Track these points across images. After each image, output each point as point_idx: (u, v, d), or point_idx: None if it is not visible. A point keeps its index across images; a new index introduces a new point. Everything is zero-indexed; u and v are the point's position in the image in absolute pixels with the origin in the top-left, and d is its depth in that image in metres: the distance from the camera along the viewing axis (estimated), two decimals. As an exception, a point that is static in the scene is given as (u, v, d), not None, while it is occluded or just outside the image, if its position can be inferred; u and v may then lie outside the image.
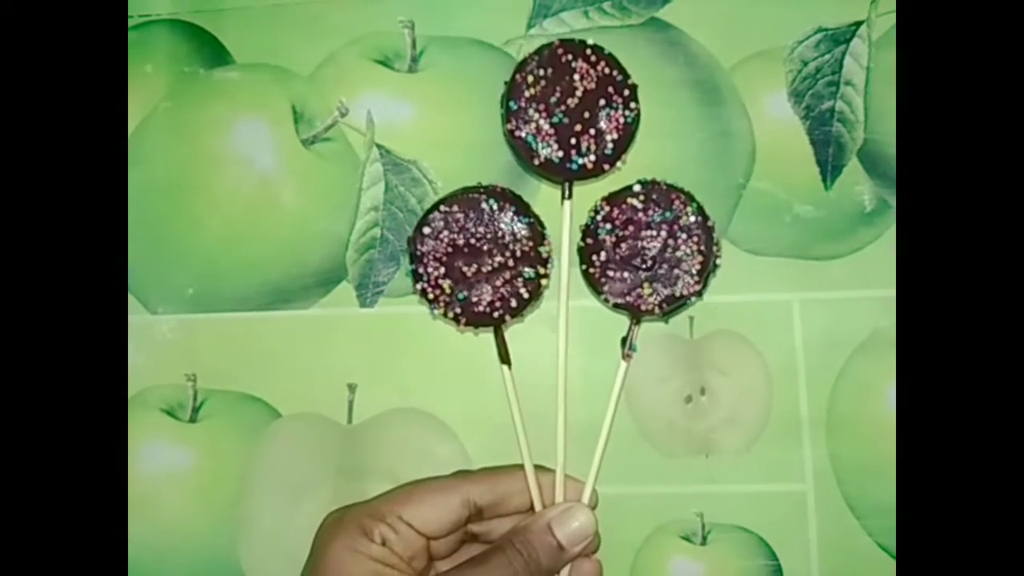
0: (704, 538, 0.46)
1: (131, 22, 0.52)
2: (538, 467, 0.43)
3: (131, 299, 0.50)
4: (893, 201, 0.47)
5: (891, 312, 0.46)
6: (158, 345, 0.49)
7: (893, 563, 0.45)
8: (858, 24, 0.48)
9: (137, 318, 0.50)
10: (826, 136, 0.48)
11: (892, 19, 0.48)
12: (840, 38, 0.48)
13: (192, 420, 0.49)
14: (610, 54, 0.44)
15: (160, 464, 0.49)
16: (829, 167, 0.47)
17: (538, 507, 0.42)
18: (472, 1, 0.50)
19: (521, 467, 0.42)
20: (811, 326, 0.47)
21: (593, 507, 0.43)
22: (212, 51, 0.51)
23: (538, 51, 0.44)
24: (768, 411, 0.46)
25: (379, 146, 0.49)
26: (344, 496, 0.47)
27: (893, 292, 0.46)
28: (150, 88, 0.51)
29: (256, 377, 0.49)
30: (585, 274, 0.44)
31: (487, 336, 0.47)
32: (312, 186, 0.50)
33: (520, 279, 0.43)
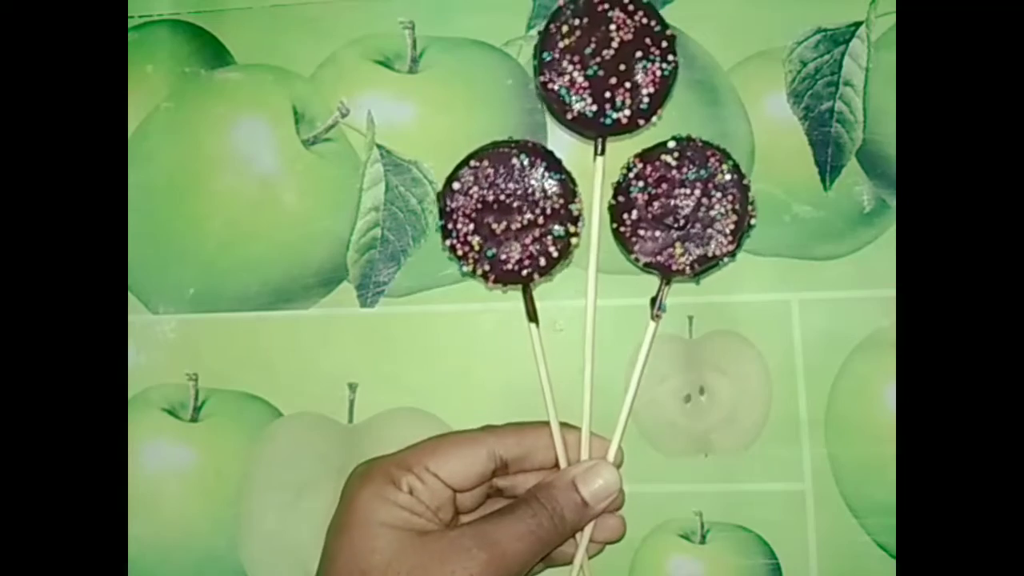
0: (703, 537, 0.46)
1: (131, 22, 0.52)
2: (563, 425, 0.43)
3: (133, 299, 0.50)
4: (892, 201, 0.47)
5: (890, 312, 0.46)
6: (159, 345, 0.50)
7: (892, 562, 0.45)
8: (857, 25, 0.48)
9: (139, 318, 0.50)
10: (825, 136, 0.48)
11: (891, 20, 0.48)
12: (839, 39, 0.48)
13: (193, 419, 0.49)
14: (648, 3, 0.42)
15: (162, 463, 0.49)
16: (828, 167, 0.48)
17: (563, 463, 0.42)
18: (472, 2, 0.50)
19: (547, 423, 0.43)
20: (810, 326, 0.47)
21: (618, 465, 0.43)
22: (213, 51, 0.51)
23: None
24: (767, 411, 0.47)
25: (380, 146, 0.50)
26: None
27: (892, 292, 0.46)
28: (151, 88, 0.51)
29: (257, 377, 0.49)
30: (616, 233, 0.43)
31: (487, 336, 0.47)
32: (313, 186, 0.50)
33: (550, 237, 0.42)
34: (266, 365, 0.49)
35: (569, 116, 0.42)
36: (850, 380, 0.46)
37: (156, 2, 0.52)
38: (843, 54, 0.48)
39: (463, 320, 0.48)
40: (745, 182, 0.42)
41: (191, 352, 0.49)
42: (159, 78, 0.51)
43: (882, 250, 0.47)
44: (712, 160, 0.42)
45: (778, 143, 0.48)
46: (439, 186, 0.49)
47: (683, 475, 0.47)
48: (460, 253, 0.43)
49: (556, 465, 0.43)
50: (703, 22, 0.49)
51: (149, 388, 0.49)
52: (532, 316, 0.43)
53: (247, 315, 0.49)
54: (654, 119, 0.43)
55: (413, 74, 0.50)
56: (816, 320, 0.47)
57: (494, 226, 0.42)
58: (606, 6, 0.42)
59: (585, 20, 0.42)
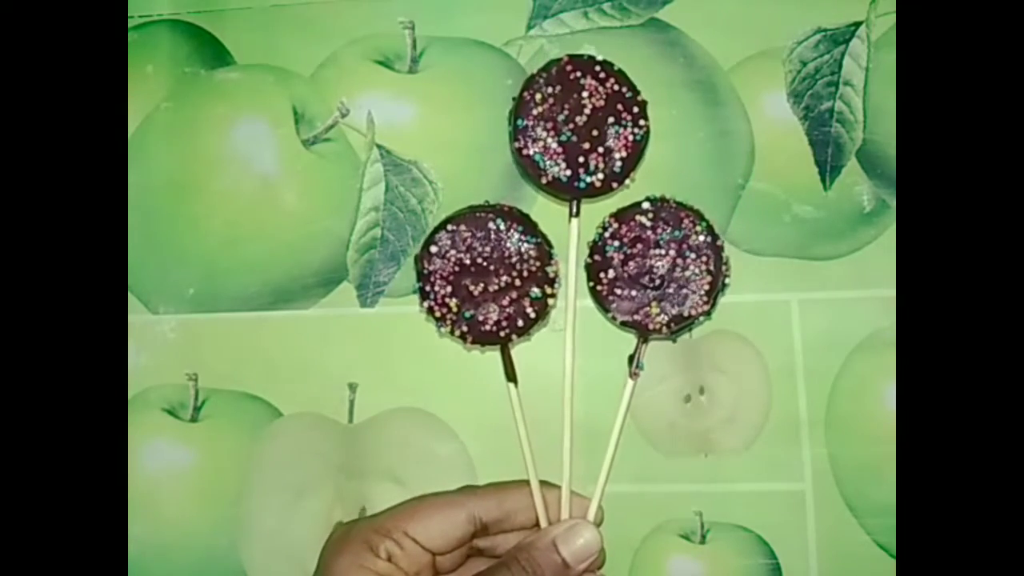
0: (703, 537, 0.46)
1: (131, 22, 0.52)
2: (544, 483, 0.42)
3: (133, 299, 0.50)
4: (892, 201, 0.47)
5: (890, 312, 0.46)
6: (160, 345, 0.50)
7: (891, 562, 0.45)
8: (857, 25, 0.48)
9: (139, 318, 0.50)
10: (825, 136, 0.48)
11: (891, 20, 0.48)
12: (839, 39, 0.48)
13: (193, 420, 0.49)
14: (619, 70, 0.43)
15: (162, 463, 0.49)
16: (828, 167, 0.48)
17: (543, 523, 0.42)
18: (472, 2, 0.50)
19: (527, 482, 0.42)
20: (810, 326, 0.47)
21: (598, 524, 0.42)
22: (213, 52, 0.51)
23: (546, 67, 0.43)
24: (767, 410, 0.47)
25: (379, 146, 0.50)
26: (345, 495, 0.47)
27: (892, 292, 0.46)
28: (151, 88, 0.51)
29: (257, 377, 0.49)
30: (593, 291, 0.43)
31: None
32: (313, 186, 0.50)
33: (527, 299, 0.43)
34: (266, 365, 0.49)
35: (544, 180, 0.43)
36: (850, 380, 0.46)
37: (156, 2, 0.52)
38: (843, 54, 0.48)
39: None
40: (719, 243, 0.43)
41: (191, 352, 0.49)
42: (159, 78, 0.51)
43: (882, 250, 0.47)
44: (686, 221, 0.43)
45: (778, 143, 0.48)
46: (439, 186, 0.49)
47: (683, 475, 0.47)
48: (438, 315, 0.43)
49: (536, 524, 0.42)
50: (703, 22, 0.49)
51: (149, 388, 0.49)
52: (511, 376, 0.43)
53: (247, 315, 0.49)
54: (627, 182, 0.43)
55: (413, 74, 0.50)
56: (816, 320, 0.47)
57: (472, 288, 0.43)
58: (578, 74, 0.43)
59: (558, 88, 0.43)
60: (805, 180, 0.48)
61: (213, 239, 0.50)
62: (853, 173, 0.47)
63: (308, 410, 0.49)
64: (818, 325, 0.47)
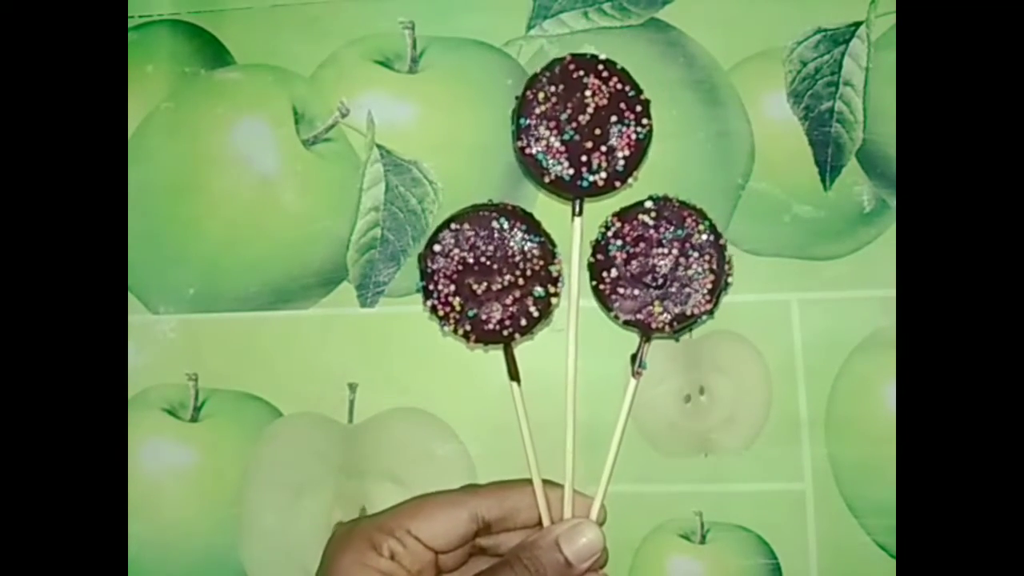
0: (703, 537, 0.46)
1: (131, 22, 0.52)
2: (546, 482, 0.42)
3: (133, 299, 0.50)
4: (892, 201, 0.47)
5: (890, 312, 0.46)
6: (160, 345, 0.50)
7: (891, 562, 0.45)
8: (857, 25, 0.48)
9: (139, 318, 0.50)
10: (825, 136, 0.48)
11: (891, 20, 0.48)
12: (839, 39, 0.48)
13: (193, 419, 0.49)
14: (622, 69, 0.43)
15: (162, 463, 0.49)
16: (828, 167, 0.48)
17: (546, 522, 0.42)
18: (472, 2, 0.50)
19: (529, 481, 0.42)
20: (810, 326, 0.47)
21: (601, 523, 0.42)
22: (213, 52, 0.51)
23: (549, 66, 0.43)
24: (767, 410, 0.47)
25: (380, 146, 0.50)
26: (345, 495, 0.47)
27: (892, 292, 0.46)
28: (151, 88, 0.51)
29: (257, 376, 0.49)
30: (595, 290, 0.43)
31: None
32: (313, 186, 0.50)
33: (530, 297, 0.43)
34: (266, 365, 0.49)
35: (547, 180, 0.43)
36: (850, 380, 0.46)
37: (156, 2, 0.52)
38: (843, 54, 0.48)
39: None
40: (721, 242, 0.43)
41: (191, 352, 0.49)
42: (159, 78, 0.51)
43: (882, 250, 0.47)
44: (689, 220, 0.43)
45: (778, 143, 0.48)
46: (439, 186, 0.49)
47: (683, 475, 0.47)
48: (441, 313, 0.43)
49: (539, 523, 0.42)
50: (703, 22, 0.49)
51: (149, 388, 0.49)
52: (513, 375, 0.43)
53: (247, 315, 0.49)
54: (630, 181, 0.43)
55: (413, 74, 0.50)
56: (816, 320, 0.47)
57: (475, 287, 0.43)
58: (581, 73, 0.43)
59: (561, 87, 0.43)
60: (805, 180, 0.48)
61: (213, 239, 0.50)
62: (853, 173, 0.47)
63: (308, 410, 0.49)
64: (818, 325, 0.47)
